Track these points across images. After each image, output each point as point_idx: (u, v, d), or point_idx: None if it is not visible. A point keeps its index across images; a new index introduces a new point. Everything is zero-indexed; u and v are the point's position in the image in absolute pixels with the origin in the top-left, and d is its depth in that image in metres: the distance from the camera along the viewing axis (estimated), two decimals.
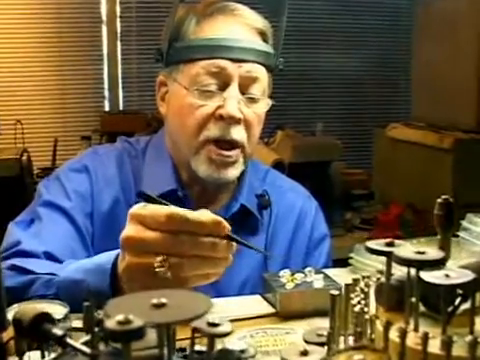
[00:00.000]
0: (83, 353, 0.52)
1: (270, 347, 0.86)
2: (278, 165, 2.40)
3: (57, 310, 0.76)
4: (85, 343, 0.55)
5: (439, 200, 0.69)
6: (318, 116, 3.53)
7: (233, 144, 1.20)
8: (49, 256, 1.14)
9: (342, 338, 0.70)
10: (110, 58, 3.35)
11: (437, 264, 0.58)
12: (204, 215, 0.89)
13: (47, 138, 3.15)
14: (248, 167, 1.31)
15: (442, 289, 0.57)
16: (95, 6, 3.30)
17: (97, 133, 3.07)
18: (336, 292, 0.67)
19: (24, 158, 2.61)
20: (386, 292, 0.65)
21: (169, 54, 1.24)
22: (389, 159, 3.06)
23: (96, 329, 0.56)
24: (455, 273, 0.58)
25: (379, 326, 0.63)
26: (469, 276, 0.58)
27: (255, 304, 1.05)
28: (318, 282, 1.03)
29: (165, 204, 0.92)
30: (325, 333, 0.66)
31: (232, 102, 1.18)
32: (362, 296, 0.69)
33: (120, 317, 0.44)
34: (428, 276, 0.57)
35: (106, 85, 3.36)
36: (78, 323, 0.66)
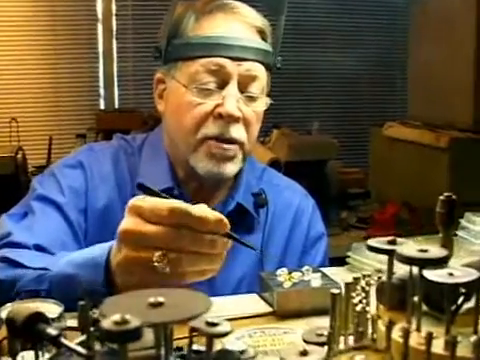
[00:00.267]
0: (78, 354, 0.51)
1: (268, 347, 0.85)
2: (274, 164, 2.39)
3: (51, 309, 0.75)
4: (80, 343, 0.54)
5: (441, 197, 0.68)
6: (314, 115, 3.52)
7: (232, 141, 1.19)
8: (39, 249, 1.13)
9: (342, 338, 0.69)
10: (106, 56, 3.33)
11: (441, 262, 0.57)
12: (206, 211, 0.88)
13: (42, 136, 3.14)
14: (245, 165, 1.30)
15: (446, 288, 0.56)
16: (91, 4, 3.29)
17: (92, 131, 3.07)
18: (337, 291, 0.66)
19: (19, 156, 2.61)
20: (388, 291, 0.63)
21: (167, 51, 1.23)
22: (385, 158, 3.06)
23: (91, 329, 0.55)
24: (459, 272, 0.57)
25: (381, 326, 0.62)
26: (473, 275, 0.57)
27: (252, 303, 1.04)
28: (316, 281, 1.02)
29: (165, 197, 0.91)
30: (325, 333, 0.65)
31: (231, 100, 1.18)
32: (363, 295, 0.68)
33: (116, 317, 0.43)
34: (432, 275, 0.56)
35: (101, 83, 3.35)
36: (73, 322, 0.65)
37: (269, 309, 1.01)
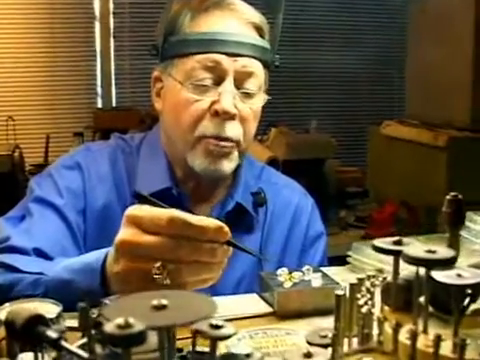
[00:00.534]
0: (79, 357, 0.49)
1: (271, 348, 0.84)
2: (272, 163, 2.38)
3: (50, 309, 0.75)
4: (81, 346, 0.53)
5: (448, 197, 0.67)
6: (312, 113, 3.51)
7: (228, 140, 1.19)
8: (39, 253, 1.12)
9: (346, 340, 0.68)
10: (103, 54, 3.32)
11: (448, 263, 0.56)
12: (206, 220, 0.86)
13: (39, 134, 3.12)
14: (243, 164, 1.29)
15: (455, 289, 0.55)
16: (88, 2, 3.28)
17: (90, 130, 3.05)
18: (341, 292, 0.65)
19: (16, 154, 2.60)
20: (394, 292, 0.62)
21: (164, 49, 1.23)
22: (383, 157, 3.05)
23: (92, 331, 0.53)
24: (467, 273, 0.56)
25: (388, 328, 0.61)
26: None
27: (252, 303, 1.03)
28: (316, 281, 1.01)
29: (161, 206, 0.89)
30: (328, 334, 0.63)
31: (227, 97, 1.17)
32: (368, 296, 0.66)
33: (120, 320, 0.41)
34: (440, 276, 0.55)
35: (99, 81, 3.33)
36: (72, 322, 0.63)
37: (269, 309, 1.00)
